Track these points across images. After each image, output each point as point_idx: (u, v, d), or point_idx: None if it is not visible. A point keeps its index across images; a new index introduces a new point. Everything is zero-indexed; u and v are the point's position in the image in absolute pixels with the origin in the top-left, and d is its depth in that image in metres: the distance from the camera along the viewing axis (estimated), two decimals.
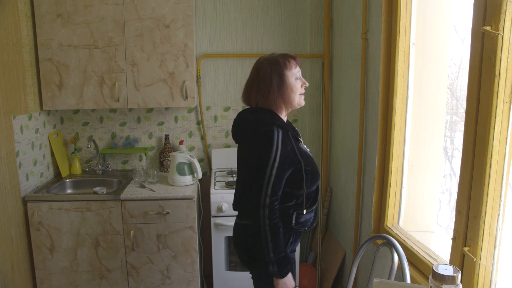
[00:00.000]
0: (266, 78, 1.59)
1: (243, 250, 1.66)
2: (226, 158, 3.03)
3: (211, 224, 2.55)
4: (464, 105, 1.41)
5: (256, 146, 1.50)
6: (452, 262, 1.48)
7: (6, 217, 2.18)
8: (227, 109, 3.07)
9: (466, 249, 1.39)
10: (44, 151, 2.67)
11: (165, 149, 2.94)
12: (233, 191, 2.50)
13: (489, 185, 1.30)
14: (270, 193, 1.46)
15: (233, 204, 1.75)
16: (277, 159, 1.46)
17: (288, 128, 1.59)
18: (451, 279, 1.01)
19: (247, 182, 1.57)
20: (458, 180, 1.45)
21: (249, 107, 1.68)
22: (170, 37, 2.57)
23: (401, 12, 1.91)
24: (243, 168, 1.65)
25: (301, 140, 1.72)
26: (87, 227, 2.43)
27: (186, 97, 2.64)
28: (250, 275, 1.71)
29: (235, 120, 1.71)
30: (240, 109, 3.04)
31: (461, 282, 1.03)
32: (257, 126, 1.52)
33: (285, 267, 1.51)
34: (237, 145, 1.70)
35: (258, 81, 1.61)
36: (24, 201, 2.37)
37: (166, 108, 3.00)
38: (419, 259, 1.71)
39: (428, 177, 2.05)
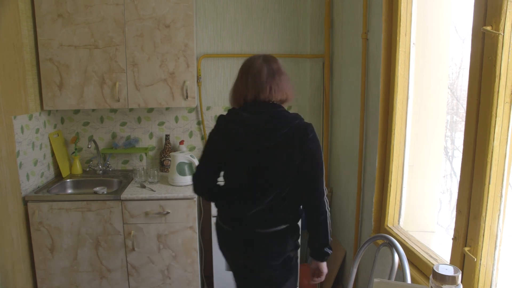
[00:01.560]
0: (286, 76, 1.69)
1: (283, 253, 1.67)
2: None
3: (211, 224, 2.55)
4: (465, 105, 1.41)
5: (310, 139, 1.59)
6: (452, 262, 1.48)
7: (6, 217, 2.18)
8: (227, 109, 3.05)
9: (466, 249, 1.39)
10: (45, 151, 2.67)
11: (166, 149, 2.94)
12: None
13: (490, 185, 1.30)
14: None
15: (253, 213, 1.64)
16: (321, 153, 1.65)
17: None
18: (451, 279, 1.01)
19: (306, 183, 1.63)
20: (459, 180, 1.45)
21: (247, 105, 1.64)
22: (171, 37, 2.57)
23: (401, 12, 1.91)
24: (284, 167, 1.60)
25: None
26: (88, 227, 2.43)
27: (187, 97, 2.64)
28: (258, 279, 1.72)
29: (247, 122, 1.61)
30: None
31: (461, 282, 1.03)
32: (302, 122, 1.61)
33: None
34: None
35: (287, 79, 1.68)
36: (25, 201, 2.37)
37: (167, 108, 3.00)
38: (420, 259, 1.71)
39: (429, 177, 2.05)
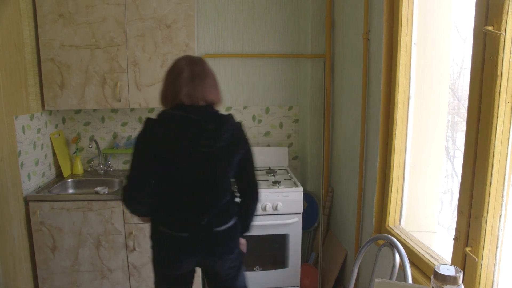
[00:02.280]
0: (215, 77, 1.71)
1: (231, 248, 1.75)
2: None
3: None
4: (466, 105, 1.40)
5: (244, 136, 1.72)
6: (453, 262, 1.48)
7: (8, 217, 2.18)
8: (228, 109, 3.07)
9: (468, 249, 1.38)
10: (46, 151, 2.67)
11: None
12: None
13: (491, 186, 1.29)
14: None
15: (212, 213, 1.67)
16: None
17: None
18: (452, 280, 1.01)
19: (249, 175, 1.77)
20: (460, 180, 1.45)
21: (180, 106, 1.61)
22: (172, 37, 2.57)
23: (402, 12, 1.90)
24: (229, 166, 1.68)
25: None
26: (89, 227, 2.43)
27: None
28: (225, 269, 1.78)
29: (185, 125, 1.59)
30: (242, 109, 3.07)
31: (463, 282, 1.03)
32: (239, 123, 1.72)
33: None
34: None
35: (210, 82, 1.66)
36: (26, 201, 2.37)
37: None
38: (421, 259, 1.71)
39: (430, 177, 2.05)
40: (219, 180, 1.67)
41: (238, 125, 1.70)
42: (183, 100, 1.59)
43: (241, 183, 1.77)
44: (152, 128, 1.59)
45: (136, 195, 1.62)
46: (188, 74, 1.60)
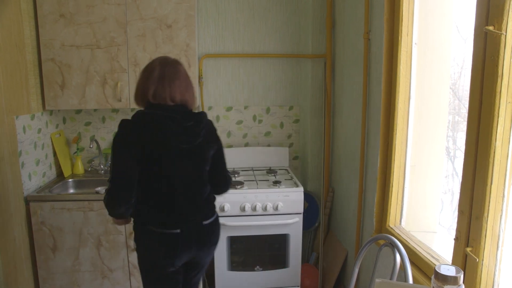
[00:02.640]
0: (188, 79, 1.77)
1: (217, 239, 1.89)
2: (228, 158, 3.01)
3: None
4: (467, 105, 1.40)
5: (216, 132, 1.85)
6: (454, 262, 1.48)
7: (8, 217, 2.18)
8: (229, 109, 3.07)
9: (468, 249, 1.38)
10: (47, 151, 2.67)
11: None
12: (235, 191, 2.52)
13: (492, 186, 1.29)
14: None
15: (196, 208, 1.76)
16: None
17: None
18: (453, 280, 1.00)
19: (222, 168, 1.88)
20: (461, 180, 1.44)
21: (155, 106, 1.66)
22: (172, 37, 2.57)
23: (403, 12, 1.90)
24: (207, 162, 1.79)
25: None
26: (89, 227, 2.43)
27: None
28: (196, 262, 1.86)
29: (161, 124, 1.63)
30: (243, 109, 3.07)
31: (463, 282, 1.03)
32: (210, 120, 1.84)
33: None
34: (202, 146, 1.76)
35: (189, 78, 1.77)
36: (27, 201, 2.37)
37: None
38: (421, 260, 1.71)
39: (430, 177, 2.05)
40: (200, 174, 1.77)
41: (211, 123, 1.84)
42: (150, 99, 1.65)
43: (215, 176, 1.85)
44: (130, 129, 1.62)
45: (125, 195, 1.64)
46: (158, 74, 1.66)
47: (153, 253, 1.73)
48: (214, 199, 1.88)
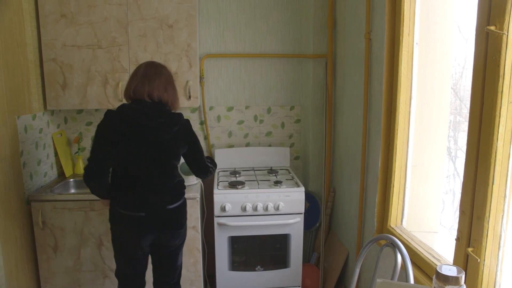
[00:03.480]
0: (170, 81, 1.96)
1: (182, 223, 2.04)
2: (229, 158, 3.03)
3: (214, 224, 2.55)
4: (468, 105, 1.40)
5: (192, 132, 2.03)
6: (455, 262, 1.48)
7: (10, 217, 2.19)
8: (230, 109, 3.07)
9: (470, 249, 1.38)
10: (48, 150, 2.68)
11: None
12: (236, 191, 2.53)
13: (493, 186, 1.29)
14: None
15: (160, 194, 1.93)
16: None
17: None
18: (454, 280, 1.00)
19: (200, 161, 2.08)
20: (462, 180, 1.44)
21: (139, 103, 1.87)
22: (174, 37, 2.58)
23: (404, 12, 1.90)
24: (179, 156, 1.99)
25: None
26: (91, 226, 2.43)
27: (190, 97, 2.64)
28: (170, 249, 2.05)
29: (136, 117, 1.85)
30: (244, 109, 3.07)
31: (465, 283, 1.03)
32: (184, 119, 1.99)
33: None
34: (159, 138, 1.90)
35: (171, 82, 1.97)
36: (28, 201, 2.38)
37: None
38: (423, 260, 1.71)
39: (432, 177, 2.04)
40: (167, 166, 1.94)
41: (187, 122, 2.00)
42: (131, 94, 1.88)
43: (193, 168, 2.10)
44: (110, 118, 1.85)
45: (94, 175, 1.89)
46: (141, 73, 1.89)
47: (121, 233, 1.96)
48: (181, 187, 2.04)
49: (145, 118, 1.85)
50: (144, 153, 1.87)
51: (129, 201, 1.91)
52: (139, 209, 1.90)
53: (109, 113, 1.87)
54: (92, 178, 1.89)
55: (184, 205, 2.06)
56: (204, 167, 2.11)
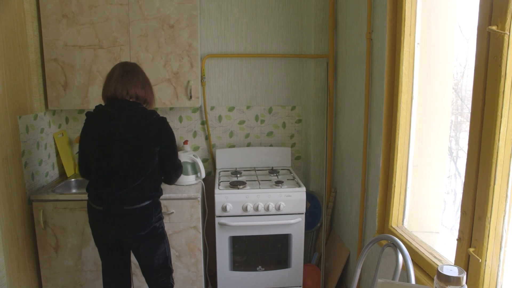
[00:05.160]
0: (147, 80, 2.04)
1: (148, 224, 1.99)
2: (230, 158, 3.03)
3: (215, 224, 2.55)
4: (469, 105, 1.40)
5: (166, 130, 1.98)
6: (457, 263, 1.47)
7: (11, 216, 2.19)
8: (231, 109, 3.07)
9: (471, 250, 1.38)
10: (49, 150, 2.68)
11: None
12: (237, 191, 2.53)
13: (495, 186, 1.29)
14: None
15: (121, 193, 1.92)
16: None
17: None
18: (456, 280, 1.00)
19: (167, 165, 2.02)
20: (463, 180, 1.44)
21: (112, 103, 1.94)
22: (175, 37, 2.58)
23: (406, 12, 1.90)
24: (146, 155, 1.94)
25: None
26: None
27: (191, 97, 2.64)
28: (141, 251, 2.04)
29: (109, 117, 1.91)
30: (245, 109, 3.07)
31: (466, 283, 1.03)
32: (158, 117, 1.97)
33: None
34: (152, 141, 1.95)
35: (148, 81, 2.04)
36: (30, 201, 2.38)
37: (171, 108, 3.00)
38: (424, 260, 1.71)
39: (433, 178, 2.04)
40: (127, 165, 1.93)
41: (160, 120, 1.97)
42: (108, 95, 1.96)
43: (163, 171, 2.05)
44: (88, 119, 1.98)
45: (83, 172, 2.05)
46: (118, 74, 1.95)
47: (90, 223, 2.07)
48: (148, 189, 1.98)
49: (109, 118, 1.90)
50: (110, 152, 1.92)
51: (94, 195, 1.99)
52: (99, 203, 1.97)
53: (87, 114, 1.99)
54: (83, 175, 2.07)
55: (147, 208, 1.98)
56: (174, 171, 2.07)
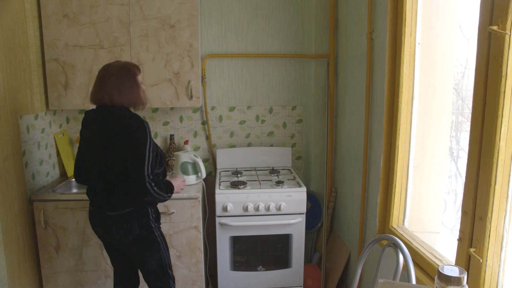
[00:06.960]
0: (125, 81, 1.88)
1: (130, 233, 1.90)
2: (231, 158, 3.03)
3: (216, 224, 2.55)
4: (470, 106, 1.40)
5: (136, 135, 1.81)
6: (457, 263, 1.47)
7: (12, 216, 2.19)
8: (232, 109, 3.07)
9: (472, 250, 1.38)
10: (50, 150, 2.68)
11: (170, 149, 2.95)
12: (238, 191, 2.53)
13: (496, 186, 1.29)
14: (150, 171, 1.82)
15: (101, 197, 1.91)
16: (152, 144, 1.85)
17: None
18: (456, 280, 1.00)
19: (128, 170, 1.81)
20: (464, 180, 1.44)
21: (96, 106, 1.93)
22: (175, 37, 2.58)
23: (406, 12, 1.90)
24: (116, 158, 1.82)
25: None
26: None
27: (191, 97, 2.64)
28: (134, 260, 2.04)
29: (91, 121, 1.94)
30: (246, 109, 3.07)
31: (467, 283, 1.03)
32: (130, 120, 1.83)
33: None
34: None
35: (126, 80, 1.88)
36: (30, 201, 2.38)
37: (171, 108, 3.01)
38: (425, 260, 1.71)
39: (434, 178, 2.04)
40: (106, 169, 1.85)
41: (136, 124, 1.82)
42: (91, 100, 1.94)
43: (129, 181, 1.80)
44: (82, 124, 2.01)
45: (74, 174, 2.09)
46: (96, 78, 1.92)
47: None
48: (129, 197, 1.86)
49: (92, 122, 1.92)
50: (92, 156, 1.92)
51: (88, 195, 2.01)
52: (90, 203, 2.02)
53: (83, 119, 2.03)
54: (74, 175, 2.12)
55: (129, 216, 1.88)
56: (139, 181, 1.78)
